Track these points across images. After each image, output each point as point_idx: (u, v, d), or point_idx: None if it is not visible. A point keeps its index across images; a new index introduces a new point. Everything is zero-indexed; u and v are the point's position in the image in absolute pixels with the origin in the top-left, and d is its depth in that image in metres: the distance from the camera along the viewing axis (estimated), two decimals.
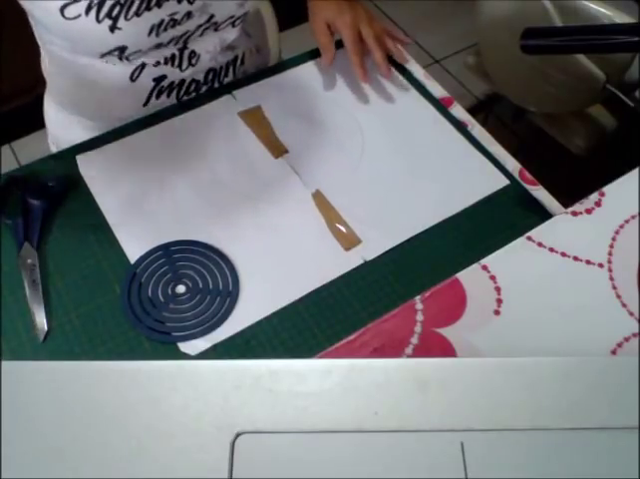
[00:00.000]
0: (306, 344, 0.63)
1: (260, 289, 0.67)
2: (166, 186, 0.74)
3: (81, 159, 0.76)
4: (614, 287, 0.59)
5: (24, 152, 1.77)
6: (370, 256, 0.69)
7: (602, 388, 0.39)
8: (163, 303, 0.65)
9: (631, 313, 0.57)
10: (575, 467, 0.36)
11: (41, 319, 0.63)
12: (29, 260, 0.67)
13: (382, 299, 0.66)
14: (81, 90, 0.83)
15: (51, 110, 0.91)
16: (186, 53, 0.80)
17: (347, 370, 0.40)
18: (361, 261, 0.69)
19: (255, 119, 0.81)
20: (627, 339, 0.55)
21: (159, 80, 0.81)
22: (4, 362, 0.38)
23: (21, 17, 0.75)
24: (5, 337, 0.62)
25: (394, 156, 0.78)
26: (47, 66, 0.85)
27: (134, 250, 0.69)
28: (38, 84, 0.86)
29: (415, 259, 0.69)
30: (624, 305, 0.58)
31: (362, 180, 0.76)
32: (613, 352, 0.54)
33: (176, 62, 0.80)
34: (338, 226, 0.71)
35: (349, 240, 0.70)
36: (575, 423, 0.38)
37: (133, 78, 0.79)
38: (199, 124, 0.79)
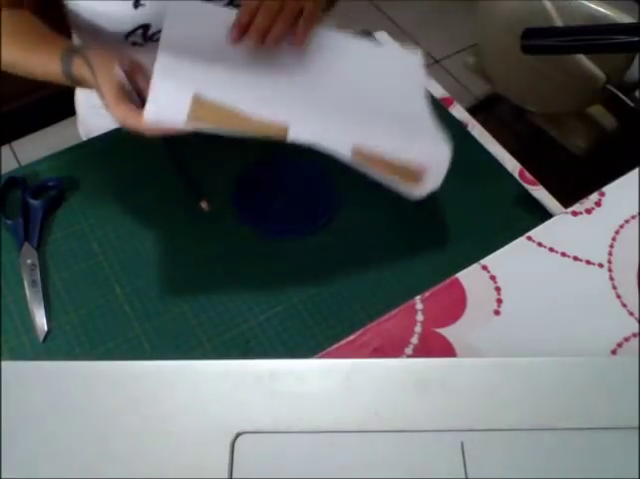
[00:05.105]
0: (306, 344, 0.63)
1: None
2: None
3: None
4: (614, 287, 0.58)
5: (24, 152, 1.77)
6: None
7: (602, 388, 0.39)
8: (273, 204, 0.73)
9: (631, 313, 0.57)
10: (575, 467, 0.36)
11: (41, 319, 0.63)
12: (29, 260, 0.67)
13: (382, 299, 0.66)
14: None
15: (81, 94, 0.94)
16: None
17: (347, 370, 0.40)
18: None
19: None
20: (627, 339, 0.55)
21: None
22: (4, 362, 0.38)
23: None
24: (5, 337, 0.62)
25: None
26: None
27: None
28: (38, 85, 0.86)
29: (415, 259, 0.69)
30: (624, 305, 0.58)
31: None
32: (613, 352, 0.54)
33: None
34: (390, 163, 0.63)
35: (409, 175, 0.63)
36: (575, 423, 0.38)
37: None
38: None
